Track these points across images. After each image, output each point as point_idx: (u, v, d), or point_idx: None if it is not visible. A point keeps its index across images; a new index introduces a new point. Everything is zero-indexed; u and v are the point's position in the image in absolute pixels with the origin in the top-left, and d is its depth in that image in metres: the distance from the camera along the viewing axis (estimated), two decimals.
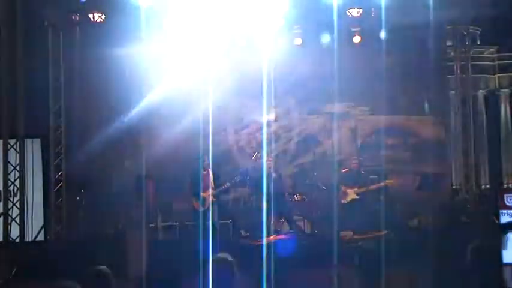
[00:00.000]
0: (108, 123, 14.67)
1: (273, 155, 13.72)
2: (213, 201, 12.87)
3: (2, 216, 12.59)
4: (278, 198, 12.96)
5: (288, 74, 15.55)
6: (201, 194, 12.84)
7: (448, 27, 15.98)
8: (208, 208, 12.82)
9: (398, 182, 15.24)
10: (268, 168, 13.16)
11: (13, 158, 12.87)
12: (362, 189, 13.28)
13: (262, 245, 11.55)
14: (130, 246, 10.77)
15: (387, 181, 13.55)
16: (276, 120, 16.12)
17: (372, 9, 15.34)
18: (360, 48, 15.71)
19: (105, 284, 5.19)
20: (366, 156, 15.74)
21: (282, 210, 13.20)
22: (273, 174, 13.12)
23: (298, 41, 15.80)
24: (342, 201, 13.28)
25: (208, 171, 13.01)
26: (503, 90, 20.08)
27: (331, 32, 15.16)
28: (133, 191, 13.64)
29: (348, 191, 13.29)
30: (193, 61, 14.90)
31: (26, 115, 13.22)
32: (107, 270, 5.22)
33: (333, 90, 15.78)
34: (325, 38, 15.52)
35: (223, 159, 15.40)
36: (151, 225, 13.30)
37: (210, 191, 12.86)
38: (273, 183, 12.88)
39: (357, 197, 13.26)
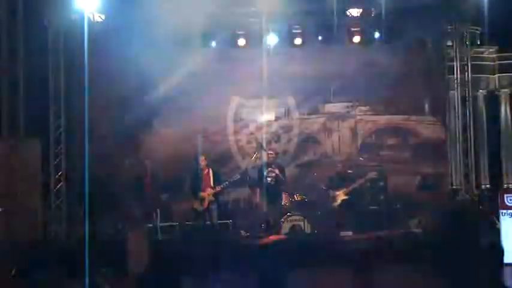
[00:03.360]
0: (109, 122, 14.66)
1: (271, 152, 13.69)
2: (212, 201, 12.86)
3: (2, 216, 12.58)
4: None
5: (288, 74, 15.53)
6: (201, 194, 12.84)
7: (448, 27, 15.97)
8: (208, 208, 12.81)
9: (398, 182, 15.28)
10: (270, 162, 13.26)
11: (13, 158, 12.85)
12: (349, 189, 13.39)
13: (262, 244, 11.55)
14: (130, 246, 10.75)
15: (368, 176, 13.73)
16: (276, 120, 16.13)
17: (372, 9, 15.36)
18: (359, 48, 15.73)
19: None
20: (366, 156, 15.78)
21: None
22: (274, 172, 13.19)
23: (298, 41, 15.81)
24: (334, 205, 13.38)
25: (208, 171, 13.01)
26: (503, 90, 20.02)
27: (331, 32, 15.19)
28: (133, 191, 13.62)
29: (337, 194, 13.39)
30: (193, 61, 14.90)
31: (26, 115, 13.22)
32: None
33: (333, 90, 15.81)
34: (325, 38, 15.55)
35: (223, 159, 15.39)
36: (149, 225, 13.28)
37: (210, 191, 12.84)
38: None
39: (346, 197, 13.36)
